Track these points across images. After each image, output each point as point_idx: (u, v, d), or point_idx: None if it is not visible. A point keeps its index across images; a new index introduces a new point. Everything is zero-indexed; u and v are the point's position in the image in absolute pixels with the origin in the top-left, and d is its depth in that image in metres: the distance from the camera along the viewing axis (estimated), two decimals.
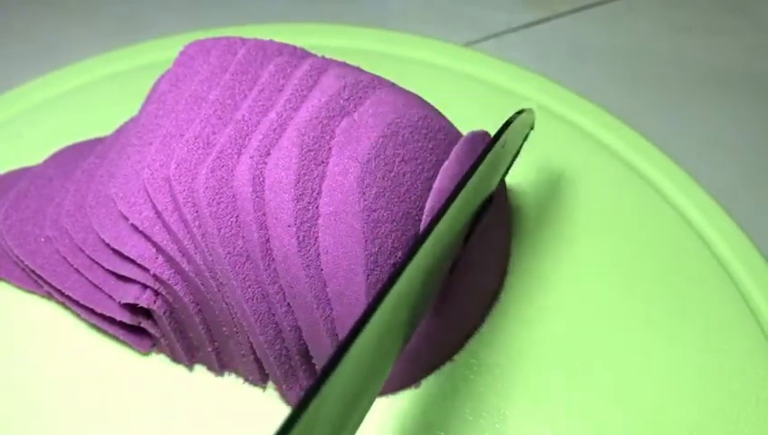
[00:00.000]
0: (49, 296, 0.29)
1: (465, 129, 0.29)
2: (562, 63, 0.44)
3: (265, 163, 0.25)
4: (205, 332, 0.26)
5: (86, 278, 0.27)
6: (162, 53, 0.38)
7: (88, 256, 0.27)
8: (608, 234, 0.32)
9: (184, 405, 0.27)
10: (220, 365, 0.28)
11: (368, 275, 0.24)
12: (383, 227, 0.25)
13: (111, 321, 0.27)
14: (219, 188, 0.25)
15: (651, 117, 0.40)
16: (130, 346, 0.28)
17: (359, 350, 0.19)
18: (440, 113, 0.29)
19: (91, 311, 0.27)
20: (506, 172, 0.29)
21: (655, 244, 0.32)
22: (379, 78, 0.28)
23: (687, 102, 0.42)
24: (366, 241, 0.24)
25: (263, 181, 0.25)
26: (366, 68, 0.29)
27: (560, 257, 0.31)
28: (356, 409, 0.21)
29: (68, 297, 0.28)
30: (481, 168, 0.25)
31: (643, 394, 0.28)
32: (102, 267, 0.27)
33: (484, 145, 0.28)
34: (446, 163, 0.26)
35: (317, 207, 0.25)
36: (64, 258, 0.28)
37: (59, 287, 0.28)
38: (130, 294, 0.26)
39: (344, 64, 0.28)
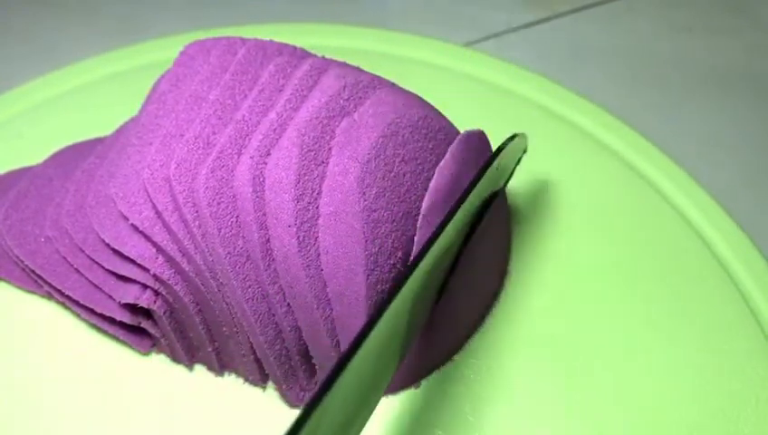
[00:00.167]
0: (49, 296, 0.29)
1: (465, 129, 0.29)
2: (562, 63, 0.44)
3: (265, 163, 0.25)
4: (205, 332, 0.26)
5: (86, 278, 0.27)
6: (162, 53, 0.38)
7: (88, 256, 0.27)
8: (608, 234, 0.32)
9: (184, 405, 0.27)
10: (220, 365, 0.28)
11: (368, 275, 0.24)
12: (383, 228, 0.25)
13: (111, 321, 0.27)
14: (219, 188, 0.25)
15: (651, 117, 0.40)
16: (130, 346, 0.28)
17: (360, 361, 0.20)
18: (440, 113, 0.29)
19: (91, 311, 0.27)
20: (498, 193, 0.29)
21: (655, 244, 0.32)
22: (379, 78, 0.28)
23: (687, 102, 0.42)
24: (366, 241, 0.24)
25: (263, 181, 0.25)
26: (366, 68, 0.29)
27: (560, 257, 0.31)
28: (357, 417, 0.21)
29: (68, 297, 0.28)
30: (474, 190, 0.25)
31: (643, 394, 0.28)
32: (102, 267, 0.27)
33: (480, 144, 0.28)
34: (443, 162, 0.26)
35: (317, 208, 0.25)
36: (64, 258, 0.28)
37: (59, 287, 0.28)
38: (130, 295, 0.26)
39: (344, 64, 0.28)
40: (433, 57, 0.40)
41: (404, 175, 0.26)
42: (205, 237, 0.24)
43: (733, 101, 0.42)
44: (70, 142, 0.33)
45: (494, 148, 0.30)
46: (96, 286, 0.27)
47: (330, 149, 0.25)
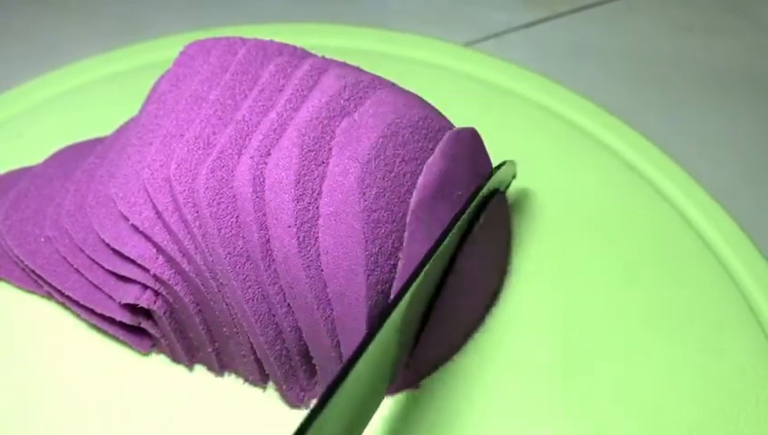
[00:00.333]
0: (49, 296, 0.29)
1: None
2: (563, 63, 0.44)
3: (266, 163, 0.25)
4: (205, 332, 0.26)
5: (86, 278, 0.27)
6: (162, 52, 0.38)
7: (88, 257, 0.27)
8: (608, 234, 0.32)
9: (184, 405, 0.27)
10: (220, 365, 0.28)
11: (368, 275, 0.24)
12: (383, 228, 0.25)
13: (111, 321, 0.27)
14: (219, 188, 0.24)
15: (651, 117, 0.40)
16: (130, 346, 0.28)
17: (361, 367, 0.20)
18: (440, 113, 0.29)
19: (91, 311, 0.27)
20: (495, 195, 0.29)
21: (655, 244, 0.32)
22: (379, 78, 0.28)
23: (687, 102, 0.42)
24: (366, 241, 0.24)
25: (263, 182, 0.25)
26: (366, 68, 0.29)
27: (560, 258, 0.31)
28: (357, 422, 0.22)
29: (68, 297, 0.28)
30: (464, 216, 0.26)
31: (643, 394, 0.28)
32: (102, 268, 0.27)
33: (472, 141, 0.28)
34: (431, 158, 0.26)
35: (317, 208, 0.25)
36: (64, 258, 0.28)
37: (59, 287, 0.28)
38: (131, 295, 0.26)
39: (344, 64, 0.28)
40: (433, 57, 0.40)
41: (404, 175, 0.26)
42: (205, 238, 0.24)
43: (733, 101, 0.42)
44: (70, 142, 0.33)
45: (492, 146, 0.30)
46: (96, 286, 0.27)
47: (330, 149, 0.25)
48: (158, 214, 0.25)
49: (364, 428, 0.23)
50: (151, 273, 0.25)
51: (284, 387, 0.26)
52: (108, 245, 0.26)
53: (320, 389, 0.27)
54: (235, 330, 0.26)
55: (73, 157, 0.32)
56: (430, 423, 0.27)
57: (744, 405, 0.27)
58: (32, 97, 0.37)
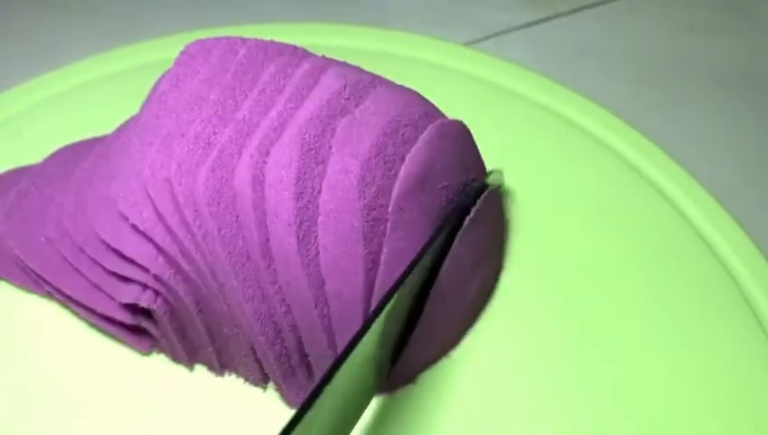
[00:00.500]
0: (49, 296, 0.29)
1: None
2: (563, 63, 0.44)
3: (266, 162, 0.25)
4: (205, 332, 0.26)
5: (86, 278, 0.27)
6: (162, 52, 0.38)
7: (88, 257, 0.27)
8: (607, 233, 0.32)
9: (184, 405, 0.27)
10: (221, 365, 0.27)
11: (366, 273, 0.24)
12: (383, 226, 0.25)
13: (112, 321, 0.27)
14: (220, 187, 0.24)
15: (652, 116, 0.40)
16: (131, 346, 0.28)
17: (349, 365, 0.21)
18: (441, 112, 0.28)
19: (92, 311, 0.27)
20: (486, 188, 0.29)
21: (655, 243, 0.32)
22: (379, 77, 0.28)
23: (688, 102, 0.42)
24: (365, 239, 0.24)
25: (263, 180, 0.25)
26: (366, 68, 0.29)
27: (558, 256, 0.31)
28: (347, 418, 0.22)
29: (68, 297, 0.28)
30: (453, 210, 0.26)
31: (643, 394, 0.28)
32: (103, 268, 0.27)
33: (458, 133, 0.28)
34: (413, 149, 0.26)
35: (317, 206, 0.25)
36: (65, 258, 0.28)
37: (59, 287, 0.28)
38: (131, 295, 0.26)
39: (345, 64, 0.28)
40: (433, 57, 0.40)
41: None
42: (205, 238, 0.24)
43: (733, 100, 0.42)
44: (70, 142, 0.33)
45: (492, 146, 0.30)
46: (96, 286, 0.27)
47: (330, 147, 0.25)
48: (159, 214, 0.25)
49: (354, 424, 0.23)
50: (151, 273, 0.25)
51: (283, 386, 0.26)
52: (108, 245, 0.26)
53: None
54: (235, 330, 0.26)
55: (73, 156, 0.31)
56: (426, 419, 0.27)
57: (743, 405, 0.27)
58: (32, 97, 0.37)
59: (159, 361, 0.28)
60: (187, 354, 0.27)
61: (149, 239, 0.25)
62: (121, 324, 0.27)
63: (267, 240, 0.24)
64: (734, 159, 0.39)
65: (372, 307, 0.25)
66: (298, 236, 0.24)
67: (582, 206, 0.33)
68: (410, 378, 0.28)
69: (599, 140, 0.36)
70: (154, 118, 0.27)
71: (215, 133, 0.26)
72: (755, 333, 0.29)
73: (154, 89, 0.28)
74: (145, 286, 0.26)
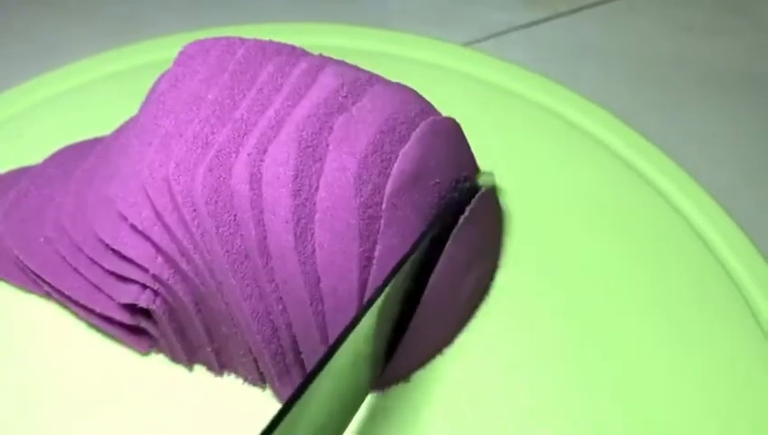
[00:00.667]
0: (48, 296, 0.29)
1: (464, 129, 0.29)
2: (563, 63, 0.44)
3: (263, 160, 0.25)
4: (204, 331, 0.26)
5: (85, 278, 0.27)
6: (162, 52, 0.38)
7: (87, 257, 0.27)
8: (605, 232, 0.32)
9: (183, 405, 0.27)
10: (219, 365, 0.28)
11: (360, 271, 0.25)
12: (378, 223, 0.25)
13: (111, 321, 0.27)
14: (217, 186, 0.25)
15: (651, 117, 0.40)
16: (130, 346, 0.28)
17: (337, 361, 0.21)
18: (436, 110, 0.29)
19: (91, 311, 0.27)
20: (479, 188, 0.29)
21: (654, 243, 0.32)
22: (376, 75, 0.28)
23: (687, 102, 0.42)
24: (361, 237, 0.24)
25: (260, 178, 0.25)
26: (366, 68, 0.29)
27: (556, 255, 0.31)
28: (339, 415, 0.22)
29: (67, 297, 0.28)
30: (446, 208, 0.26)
31: (642, 394, 0.28)
32: (102, 267, 0.27)
33: (450, 131, 0.28)
34: (406, 146, 0.26)
35: (314, 203, 0.25)
36: (64, 258, 0.28)
37: (58, 287, 0.28)
38: (130, 295, 0.26)
39: (342, 63, 0.28)
40: (433, 57, 0.40)
41: None
42: (203, 236, 0.24)
43: (733, 101, 0.42)
44: (70, 142, 0.33)
45: (492, 146, 0.30)
46: (95, 286, 0.27)
47: (327, 145, 0.25)
48: (157, 214, 0.25)
49: (348, 421, 0.23)
50: (150, 273, 0.25)
51: (278, 385, 0.26)
52: (107, 245, 0.26)
53: None
54: (233, 329, 0.26)
55: (73, 157, 0.32)
56: (420, 417, 0.27)
57: (743, 405, 0.27)
58: (31, 97, 0.37)
59: (158, 361, 0.28)
60: (186, 354, 0.27)
61: (148, 239, 0.25)
62: (120, 324, 0.27)
63: (265, 238, 0.24)
64: (733, 159, 0.39)
65: None
66: (295, 234, 0.24)
67: (581, 205, 0.33)
68: (404, 376, 0.28)
69: (598, 140, 0.36)
70: (153, 118, 0.27)
71: (213, 133, 0.26)
72: (754, 332, 0.29)
73: (153, 89, 0.28)
74: (144, 286, 0.26)
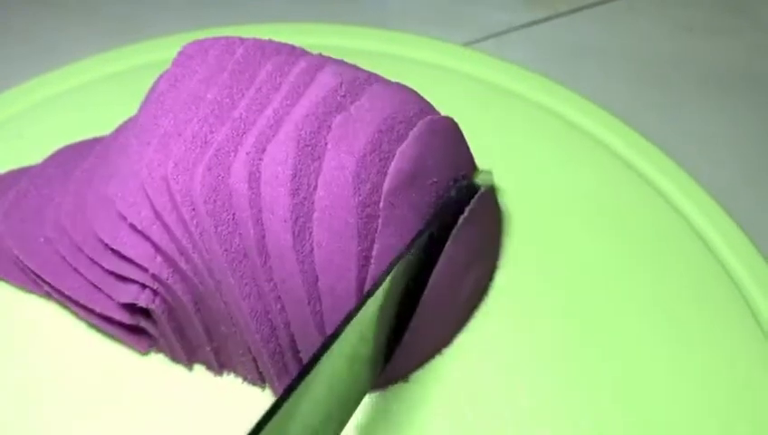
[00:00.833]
0: (48, 296, 0.29)
1: (464, 128, 0.29)
2: (563, 63, 0.44)
3: (261, 159, 0.25)
4: (203, 331, 0.26)
5: (85, 278, 0.27)
6: (162, 52, 0.38)
7: (87, 256, 0.27)
8: (605, 232, 0.32)
9: (183, 404, 0.27)
10: (219, 365, 0.28)
11: (359, 270, 0.25)
12: (376, 222, 0.25)
13: (110, 321, 0.27)
14: (216, 185, 0.25)
15: (651, 116, 0.40)
16: (129, 346, 0.28)
17: (332, 359, 0.21)
18: (435, 109, 0.29)
19: (90, 311, 0.27)
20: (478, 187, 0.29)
21: (654, 244, 0.32)
22: (375, 75, 0.28)
23: (687, 102, 0.42)
24: (359, 236, 0.24)
25: (259, 177, 0.25)
26: (365, 67, 0.29)
27: (556, 255, 0.31)
28: (337, 413, 0.22)
29: (67, 297, 0.28)
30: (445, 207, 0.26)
31: (642, 394, 0.27)
32: (101, 267, 0.27)
33: (448, 130, 0.28)
34: (404, 145, 0.26)
35: (312, 202, 0.25)
36: (63, 258, 0.28)
37: (58, 287, 0.28)
38: (129, 294, 0.26)
39: (341, 62, 0.28)
40: (432, 57, 0.40)
41: None
42: (202, 235, 0.24)
43: (733, 101, 0.42)
44: (69, 142, 0.33)
45: (492, 146, 0.30)
46: (95, 286, 0.27)
47: (326, 143, 0.25)
48: (157, 213, 0.25)
49: (347, 420, 0.23)
50: (150, 272, 0.25)
51: (276, 384, 0.26)
52: (107, 244, 0.26)
53: None
54: (232, 328, 0.26)
55: (73, 157, 0.32)
56: (419, 418, 0.27)
57: (743, 405, 0.27)
58: (31, 97, 0.37)
59: (158, 360, 0.28)
60: (186, 354, 0.27)
61: (147, 238, 0.25)
62: (120, 324, 0.27)
63: (263, 237, 0.24)
64: (733, 159, 0.39)
65: None
66: (293, 233, 0.24)
67: (581, 205, 0.33)
68: (403, 376, 0.28)
69: (598, 140, 0.36)
70: (152, 118, 0.27)
71: (212, 132, 0.26)
72: (754, 332, 0.29)
73: (152, 89, 0.28)
74: (143, 286, 0.26)
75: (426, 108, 0.28)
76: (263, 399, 0.27)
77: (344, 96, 0.26)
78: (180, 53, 0.28)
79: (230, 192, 0.25)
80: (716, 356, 0.29)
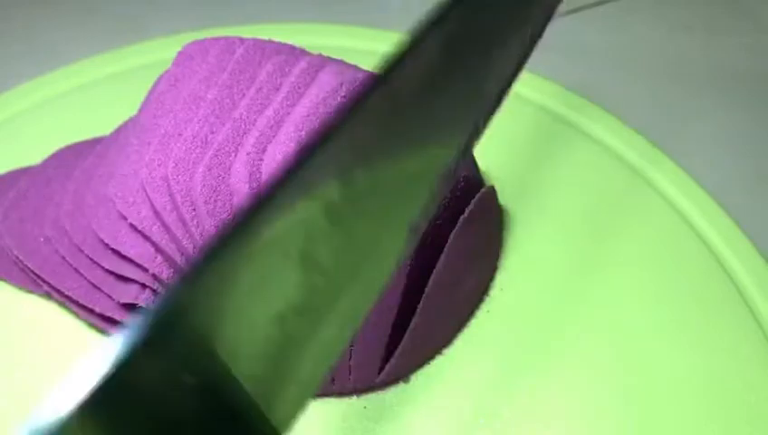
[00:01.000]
0: (48, 296, 0.29)
1: None
2: (563, 63, 0.44)
3: (262, 159, 0.25)
4: None
5: (85, 278, 0.27)
6: (162, 52, 0.38)
7: (87, 256, 0.27)
8: (606, 233, 0.32)
9: None
10: None
11: None
12: None
13: (110, 320, 0.27)
14: (216, 185, 0.25)
15: (651, 117, 0.40)
16: None
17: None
18: None
19: (91, 311, 0.27)
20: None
21: (653, 243, 0.32)
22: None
23: (687, 102, 0.42)
24: None
25: (259, 177, 0.25)
26: (365, 68, 0.29)
27: (555, 255, 0.31)
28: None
29: (67, 297, 0.28)
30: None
31: (642, 394, 0.27)
32: (101, 267, 0.27)
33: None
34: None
35: None
36: (63, 258, 0.28)
37: (58, 287, 0.28)
38: (129, 294, 0.26)
39: (341, 62, 0.28)
40: None
41: None
42: (202, 235, 0.24)
43: (732, 101, 0.42)
44: (69, 142, 0.33)
45: (492, 146, 0.30)
46: (95, 286, 0.27)
47: None
48: (157, 213, 0.25)
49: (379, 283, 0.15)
50: (150, 272, 0.25)
51: None
52: (107, 244, 0.26)
53: None
54: None
55: (72, 157, 0.32)
56: (419, 418, 0.27)
57: (743, 405, 0.27)
58: (31, 97, 0.37)
59: None
60: None
61: (147, 238, 0.25)
62: (120, 324, 0.27)
63: None
64: (733, 159, 0.39)
65: None
66: None
67: (581, 205, 0.33)
68: (403, 376, 0.28)
69: (597, 141, 0.36)
70: (152, 118, 0.27)
71: (212, 132, 0.26)
72: (754, 332, 0.29)
73: (152, 89, 0.28)
74: (143, 286, 0.26)
75: None
76: None
77: (345, 96, 0.26)
78: (180, 53, 0.28)
79: (231, 192, 0.25)
80: (716, 355, 0.29)
